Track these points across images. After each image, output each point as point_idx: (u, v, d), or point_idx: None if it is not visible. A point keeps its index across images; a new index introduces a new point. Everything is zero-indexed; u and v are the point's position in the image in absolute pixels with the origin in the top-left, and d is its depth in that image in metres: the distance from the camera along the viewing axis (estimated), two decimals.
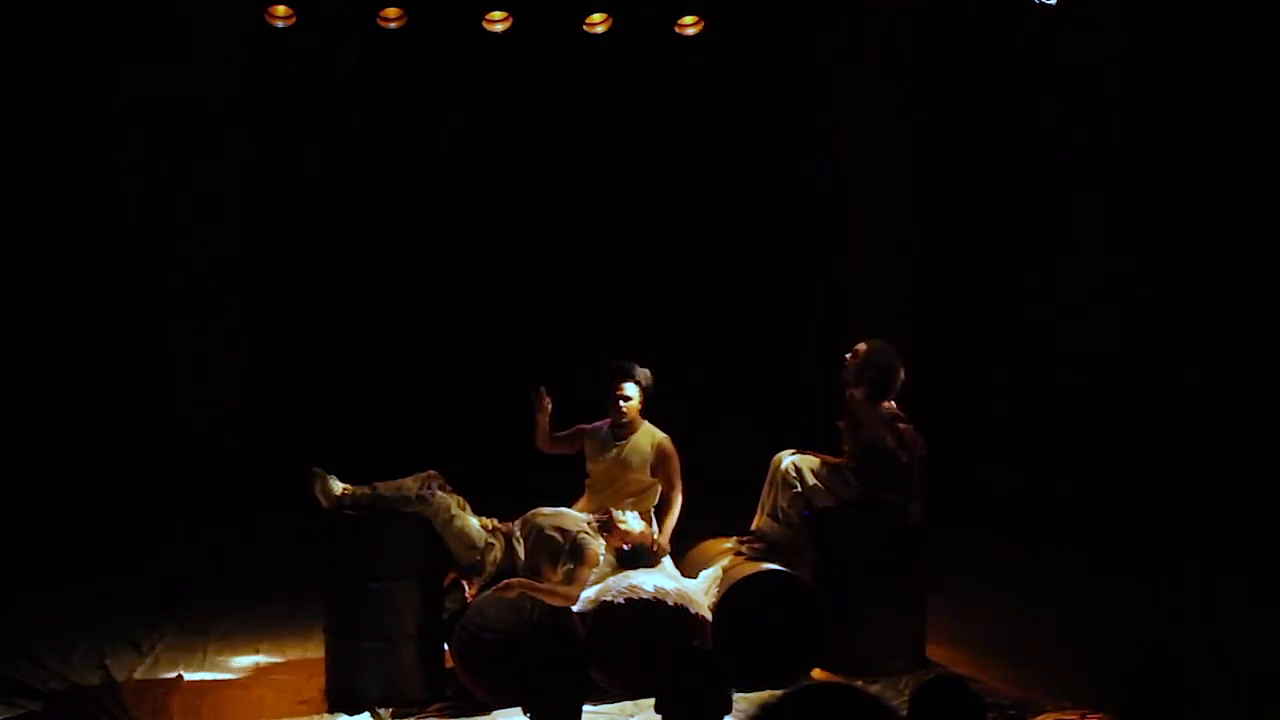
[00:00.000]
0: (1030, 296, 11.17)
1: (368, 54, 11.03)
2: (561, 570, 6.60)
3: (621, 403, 7.06)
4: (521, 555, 6.67)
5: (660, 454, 7.10)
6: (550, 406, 7.16)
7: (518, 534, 6.74)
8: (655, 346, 8.54)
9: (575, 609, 6.58)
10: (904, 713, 3.78)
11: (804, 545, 7.20)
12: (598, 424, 7.24)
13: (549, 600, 6.52)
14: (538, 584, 6.55)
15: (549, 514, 6.81)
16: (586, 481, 7.27)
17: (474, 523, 6.69)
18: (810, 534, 7.18)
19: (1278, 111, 9.91)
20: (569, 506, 7.10)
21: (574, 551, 6.61)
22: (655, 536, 6.97)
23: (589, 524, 6.78)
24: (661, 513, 7.12)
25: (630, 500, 7.06)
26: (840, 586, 7.06)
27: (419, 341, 11.63)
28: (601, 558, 6.73)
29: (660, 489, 7.16)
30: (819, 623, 6.84)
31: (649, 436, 7.13)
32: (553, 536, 6.66)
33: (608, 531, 6.81)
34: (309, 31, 9.67)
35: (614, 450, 7.13)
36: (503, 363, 11.59)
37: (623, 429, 7.14)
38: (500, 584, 6.55)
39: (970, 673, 6.90)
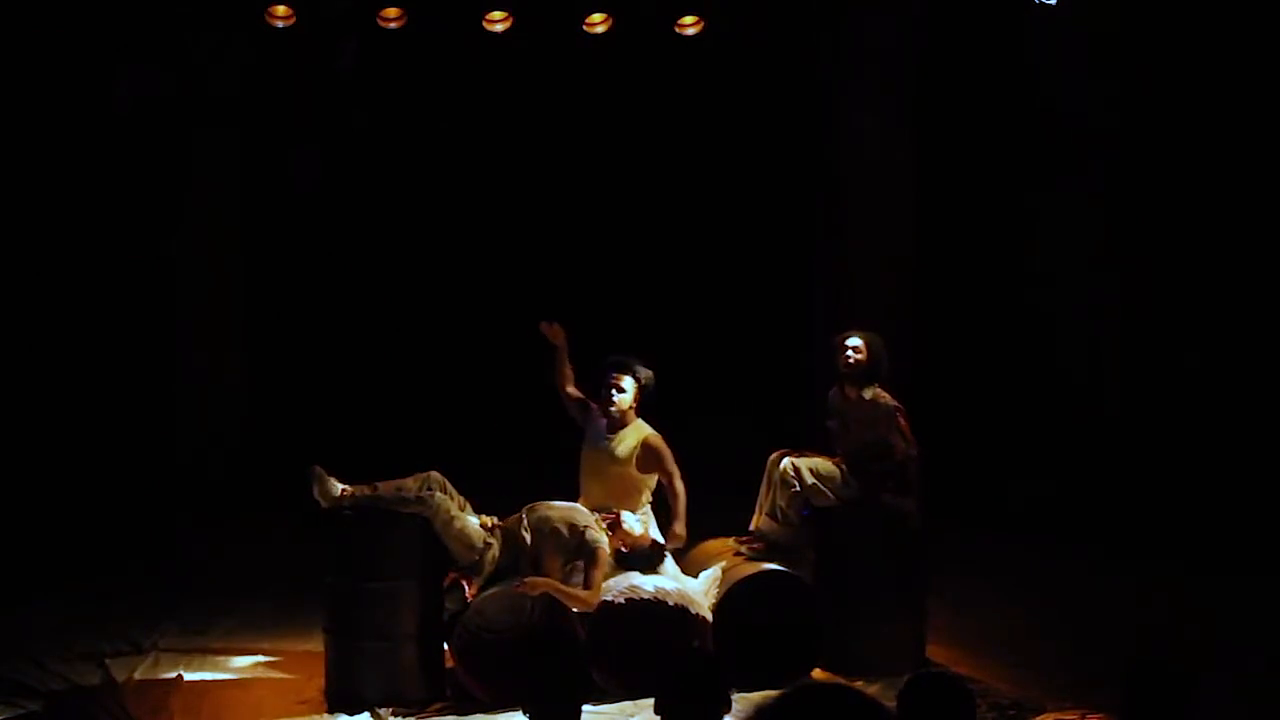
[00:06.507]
0: (1029, 297, 11.17)
1: (368, 54, 11.02)
2: (565, 565, 6.60)
3: (614, 394, 6.95)
4: (528, 541, 6.64)
5: (648, 450, 6.98)
6: (565, 340, 7.10)
7: (524, 523, 6.72)
8: (654, 345, 8.51)
9: (576, 609, 6.57)
10: None
11: (804, 545, 7.20)
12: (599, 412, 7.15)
13: (571, 605, 6.51)
14: (561, 586, 6.55)
15: (557, 508, 6.78)
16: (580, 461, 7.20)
17: (473, 523, 6.70)
18: (810, 534, 7.18)
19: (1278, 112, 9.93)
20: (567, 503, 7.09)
21: (582, 550, 6.60)
22: (656, 537, 6.93)
23: (597, 521, 6.77)
24: (669, 507, 7.01)
25: (628, 502, 7.02)
26: (840, 586, 7.06)
27: (419, 341, 11.63)
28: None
29: (654, 486, 7.08)
30: (819, 623, 6.84)
31: (637, 433, 7.04)
32: (559, 530, 6.65)
33: (612, 532, 6.80)
34: (309, 31, 9.66)
35: (603, 442, 7.05)
36: (502, 362, 11.59)
37: (614, 422, 7.06)
38: (521, 581, 6.54)
39: (970, 673, 6.90)
